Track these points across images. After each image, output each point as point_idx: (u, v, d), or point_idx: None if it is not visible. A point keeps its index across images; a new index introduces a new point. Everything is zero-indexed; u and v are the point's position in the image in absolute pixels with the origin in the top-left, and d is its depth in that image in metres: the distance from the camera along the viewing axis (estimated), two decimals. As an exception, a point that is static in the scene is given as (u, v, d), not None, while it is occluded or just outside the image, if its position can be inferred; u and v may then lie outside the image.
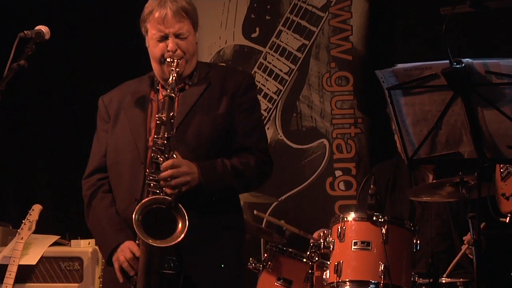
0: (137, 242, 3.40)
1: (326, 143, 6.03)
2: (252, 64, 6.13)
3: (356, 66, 6.01)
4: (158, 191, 3.31)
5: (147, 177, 3.35)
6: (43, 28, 3.45)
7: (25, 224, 5.10)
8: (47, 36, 3.45)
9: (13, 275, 4.96)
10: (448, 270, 4.70)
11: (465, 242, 4.75)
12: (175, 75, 3.41)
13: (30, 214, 5.13)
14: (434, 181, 4.96)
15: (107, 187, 3.59)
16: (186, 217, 3.25)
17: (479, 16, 5.33)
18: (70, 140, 6.38)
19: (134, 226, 3.26)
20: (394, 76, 3.49)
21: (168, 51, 3.47)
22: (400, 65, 3.49)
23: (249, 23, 6.17)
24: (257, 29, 6.18)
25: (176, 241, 3.24)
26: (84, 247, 5.19)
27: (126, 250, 3.40)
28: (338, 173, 6.01)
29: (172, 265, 3.32)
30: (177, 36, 3.48)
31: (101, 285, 4.89)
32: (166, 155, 3.32)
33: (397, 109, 3.55)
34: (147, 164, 3.41)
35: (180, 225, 3.25)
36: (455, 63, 3.35)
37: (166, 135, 3.33)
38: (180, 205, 3.27)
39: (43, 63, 6.08)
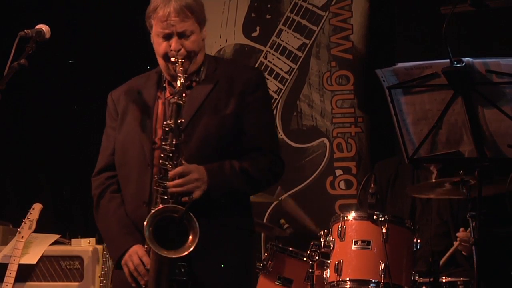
0: (145, 246, 3.36)
1: (326, 142, 6.03)
2: (253, 63, 6.13)
3: (356, 65, 6.01)
4: (166, 197, 3.27)
5: (155, 183, 3.30)
6: (44, 27, 3.44)
7: (25, 223, 5.10)
8: (48, 35, 3.44)
9: (14, 274, 4.96)
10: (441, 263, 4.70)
11: (458, 239, 4.75)
12: (182, 80, 3.33)
13: (31, 213, 5.13)
14: (434, 180, 4.96)
15: (115, 186, 3.53)
16: (197, 226, 3.20)
17: (479, 15, 5.33)
18: (71, 139, 6.38)
19: (146, 238, 3.21)
20: (395, 75, 3.49)
21: (172, 50, 3.39)
22: (400, 64, 3.49)
23: (250, 22, 6.17)
24: (258, 28, 6.18)
25: (188, 251, 3.20)
26: (84, 246, 5.19)
27: (134, 256, 3.36)
28: (338, 172, 6.01)
29: (183, 270, 3.27)
30: (180, 35, 3.40)
31: (101, 284, 4.89)
32: (175, 162, 3.27)
33: (398, 108, 3.55)
34: (154, 166, 3.36)
35: (191, 234, 3.21)
36: (455, 62, 3.35)
37: (174, 142, 3.28)
38: (191, 213, 3.22)
39: (44, 62, 6.08)
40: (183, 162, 3.29)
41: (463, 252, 4.81)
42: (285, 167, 3.54)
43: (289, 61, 6.10)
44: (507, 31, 5.56)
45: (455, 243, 4.76)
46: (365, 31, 6.00)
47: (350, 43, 6.02)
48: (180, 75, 3.33)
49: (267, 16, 6.18)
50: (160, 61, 3.47)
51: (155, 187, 3.30)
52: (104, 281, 4.87)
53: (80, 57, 6.37)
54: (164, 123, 3.32)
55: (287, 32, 6.13)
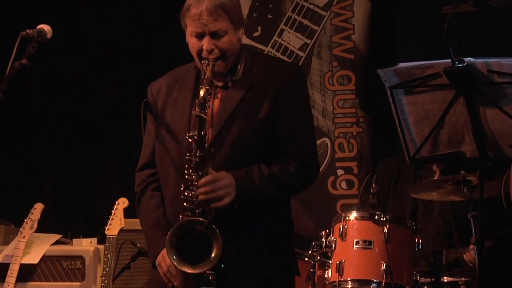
0: None
1: (328, 142, 6.03)
2: (254, 63, 6.12)
3: (358, 65, 6.01)
4: (193, 207, 3.25)
5: (182, 193, 3.27)
6: (45, 27, 3.44)
7: (27, 223, 5.10)
8: (49, 35, 3.44)
9: (15, 274, 4.96)
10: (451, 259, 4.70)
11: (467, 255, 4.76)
12: (204, 91, 3.25)
13: (32, 213, 5.13)
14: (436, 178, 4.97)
15: (157, 184, 3.48)
16: (221, 240, 3.17)
17: (481, 15, 5.33)
18: (72, 138, 6.38)
19: (168, 252, 3.21)
20: (396, 75, 3.50)
21: (204, 50, 3.32)
22: (402, 64, 3.49)
23: (251, 22, 6.16)
24: (259, 28, 6.18)
25: (210, 267, 3.19)
26: (86, 245, 5.19)
27: (167, 257, 3.32)
28: (340, 172, 6.00)
29: (210, 279, 3.25)
30: (213, 34, 3.32)
31: (102, 284, 4.89)
32: (200, 173, 3.24)
33: (399, 108, 3.55)
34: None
35: (215, 248, 3.18)
36: (457, 62, 3.35)
37: (198, 153, 3.24)
38: (214, 226, 3.18)
39: (45, 62, 6.09)
40: (210, 171, 3.25)
41: (469, 264, 4.79)
42: (319, 169, 3.46)
43: (290, 61, 6.09)
44: (508, 31, 5.56)
45: (465, 256, 4.77)
46: (366, 31, 5.99)
47: (352, 43, 6.02)
48: (202, 85, 3.28)
49: (269, 16, 6.17)
50: (196, 60, 3.40)
51: (181, 197, 3.26)
52: (106, 281, 4.87)
53: (82, 57, 6.37)
54: (188, 135, 3.27)
55: (289, 32, 6.13)
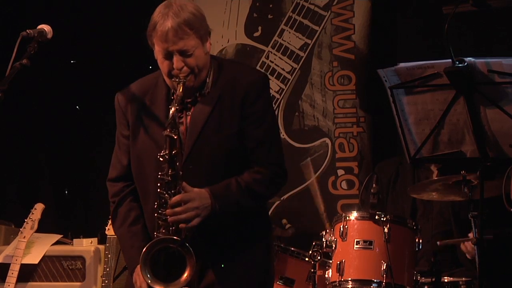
0: None
1: (328, 142, 6.03)
2: (255, 63, 6.12)
3: (358, 65, 6.01)
4: (167, 225, 3.28)
5: (155, 211, 3.30)
6: (46, 27, 3.44)
7: (27, 223, 5.11)
8: (50, 35, 3.44)
9: (16, 274, 4.97)
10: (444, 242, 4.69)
11: (464, 245, 4.75)
12: (174, 110, 3.27)
13: (33, 213, 5.14)
14: (436, 177, 4.96)
15: (134, 196, 3.50)
16: (194, 258, 3.22)
17: (481, 15, 5.33)
18: (73, 139, 6.38)
19: (141, 270, 3.24)
20: (397, 75, 3.50)
21: (174, 69, 3.32)
22: (402, 64, 3.49)
23: (252, 22, 6.17)
24: (260, 28, 6.18)
25: (183, 285, 3.23)
26: (86, 246, 5.19)
27: (141, 274, 3.34)
28: (340, 172, 6.00)
29: None
30: (181, 53, 3.31)
31: (103, 284, 4.90)
32: (173, 191, 3.27)
33: (399, 108, 3.55)
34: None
35: (188, 266, 3.22)
36: (457, 62, 3.35)
37: (170, 172, 3.27)
38: (187, 245, 3.23)
39: (46, 62, 6.08)
40: (184, 186, 3.28)
41: (467, 256, 4.80)
42: (287, 175, 3.50)
43: (291, 61, 6.09)
44: (509, 31, 5.56)
45: (464, 245, 4.76)
46: (367, 31, 5.99)
47: (352, 43, 6.02)
48: (171, 105, 3.28)
49: (269, 16, 6.17)
50: (166, 79, 3.41)
51: (155, 215, 3.30)
52: (106, 281, 4.87)
53: (82, 57, 6.37)
54: (159, 154, 3.28)
55: (289, 32, 6.13)
